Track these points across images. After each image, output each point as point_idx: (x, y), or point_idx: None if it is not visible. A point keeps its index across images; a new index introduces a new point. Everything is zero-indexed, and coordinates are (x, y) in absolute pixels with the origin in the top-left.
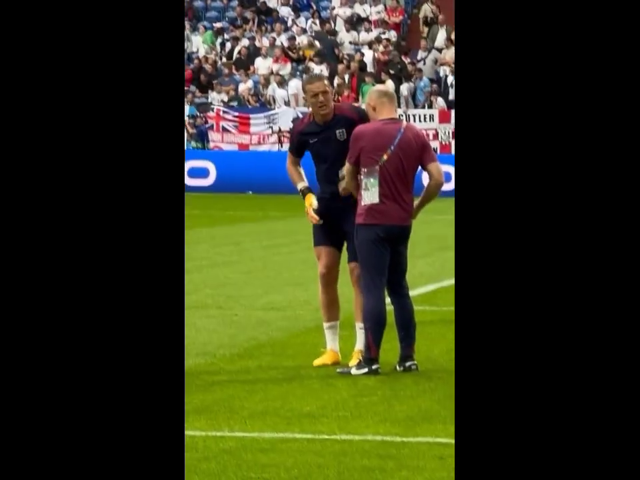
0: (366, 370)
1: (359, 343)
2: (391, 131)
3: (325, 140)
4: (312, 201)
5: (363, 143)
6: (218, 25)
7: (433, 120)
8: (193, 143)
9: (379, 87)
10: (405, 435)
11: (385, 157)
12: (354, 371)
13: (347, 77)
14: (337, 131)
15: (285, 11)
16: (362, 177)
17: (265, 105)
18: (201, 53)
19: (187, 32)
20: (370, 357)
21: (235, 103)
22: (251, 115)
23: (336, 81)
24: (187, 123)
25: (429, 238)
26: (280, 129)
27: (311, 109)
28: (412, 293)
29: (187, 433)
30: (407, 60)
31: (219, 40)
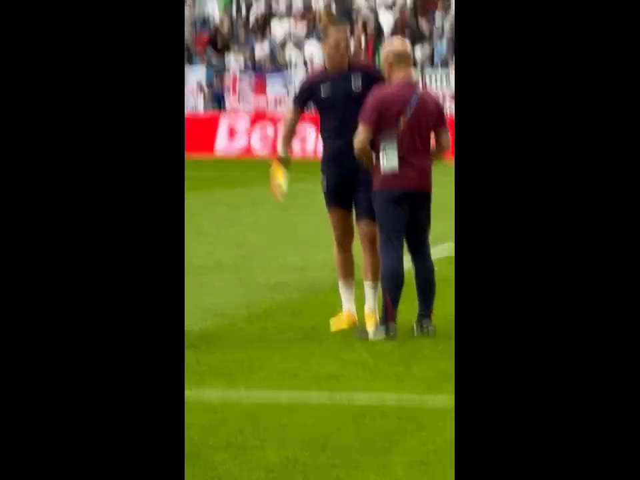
0: (382, 334)
1: (369, 301)
2: (408, 95)
3: (338, 89)
4: (281, 176)
5: (382, 107)
6: None
7: (450, 82)
8: (210, 106)
9: (396, 43)
10: (424, 395)
11: (403, 121)
12: (371, 337)
13: (362, 40)
14: (352, 76)
15: None
16: (380, 141)
17: (281, 68)
18: (217, 17)
19: None
20: (388, 316)
21: (251, 66)
22: (267, 77)
23: (352, 44)
24: (203, 86)
25: (436, 197)
26: (295, 92)
27: (327, 58)
28: (434, 253)
29: (205, 394)
30: (423, 21)
31: (234, 3)
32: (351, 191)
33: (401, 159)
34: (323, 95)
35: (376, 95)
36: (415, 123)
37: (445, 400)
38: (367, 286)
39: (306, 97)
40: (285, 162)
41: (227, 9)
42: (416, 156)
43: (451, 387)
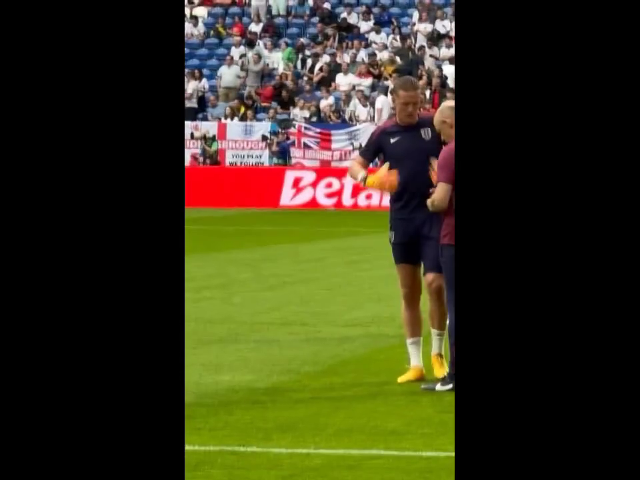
0: (451, 386)
1: (435, 347)
2: None
3: (408, 138)
4: (383, 171)
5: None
6: (299, 41)
7: None
8: (275, 159)
9: (450, 103)
10: None
11: None
12: (438, 387)
13: (428, 93)
14: (422, 130)
15: (366, 27)
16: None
17: (346, 121)
18: (281, 70)
19: (267, 49)
20: (455, 372)
21: (315, 119)
22: (332, 131)
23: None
24: (269, 139)
25: None
26: (361, 145)
27: (397, 113)
28: None
29: (272, 450)
30: None
31: (300, 56)
32: (418, 246)
33: None
34: (392, 140)
35: (448, 151)
36: None
37: None
38: (434, 334)
39: (375, 148)
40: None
41: (291, 61)
42: None
43: None
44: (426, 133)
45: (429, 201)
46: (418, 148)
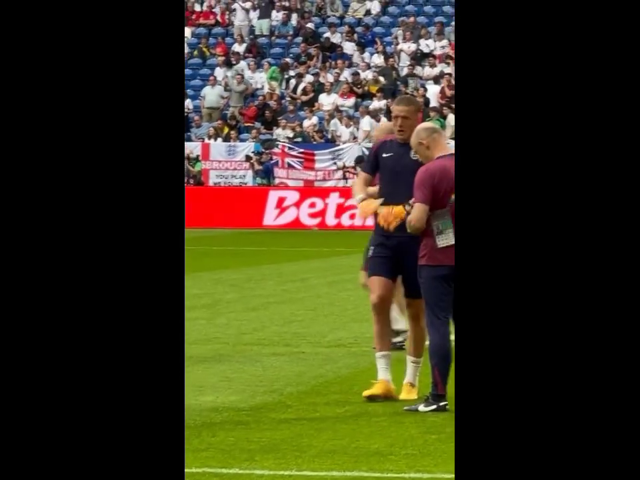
0: (434, 407)
1: (408, 375)
2: (454, 169)
3: (399, 155)
4: (374, 204)
5: (434, 183)
6: (282, 61)
7: None
8: (258, 179)
9: (425, 124)
10: None
11: (453, 196)
12: (422, 408)
13: None
14: (411, 153)
15: (349, 47)
16: (432, 219)
17: (330, 141)
18: (265, 90)
19: (250, 69)
20: (437, 393)
21: (299, 139)
22: (315, 151)
23: None
24: (252, 159)
25: None
26: (345, 165)
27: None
28: None
29: (255, 472)
30: None
31: (284, 76)
32: (398, 265)
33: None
34: (384, 155)
35: (424, 171)
36: None
37: None
38: (408, 360)
39: (373, 161)
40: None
41: (275, 80)
42: None
43: None
44: (415, 154)
45: (407, 222)
46: (404, 166)
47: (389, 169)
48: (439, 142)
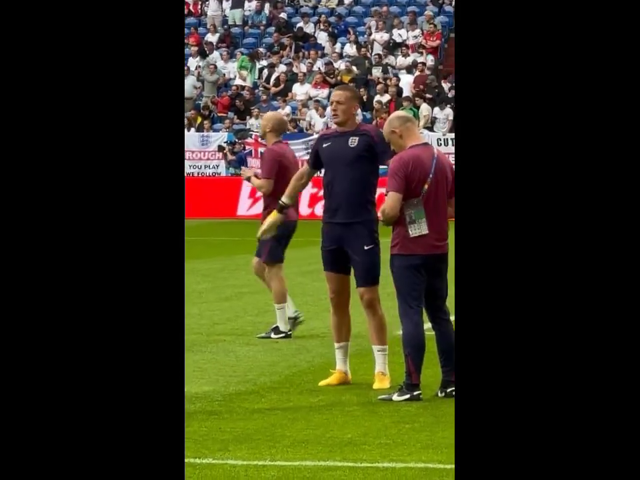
0: (408, 396)
1: (378, 365)
2: (428, 158)
3: (336, 143)
4: (273, 221)
5: (408, 172)
6: (255, 51)
7: None
8: (232, 169)
9: (398, 113)
10: (448, 462)
11: (427, 186)
12: (395, 397)
13: (384, 101)
14: (351, 137)
15: (322, 37)
16: (405, 208)
17: (303, 131)
18: (238, 80)
19: (223, 60)
20: (412, 383)
21: None
22: (288, 141)
23: (375, 105)
24: (225, 149)
25: None
26: None
27: None
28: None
29: (229, 461)
30: (445, 84)
31: (258, 66)
32: (344, 254)
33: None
34: (322, 153)
35: (398, 160)
36: (435, 186)
37: None
38: (375, 350)
39: (314, 154)
40: (281, 209)
41: (245, 69)
42: (437, 219)
43: None
44: (353, 141)
45: (379, 211)
46: (342, 155)
47: (327, 159)
48: (412, 131)
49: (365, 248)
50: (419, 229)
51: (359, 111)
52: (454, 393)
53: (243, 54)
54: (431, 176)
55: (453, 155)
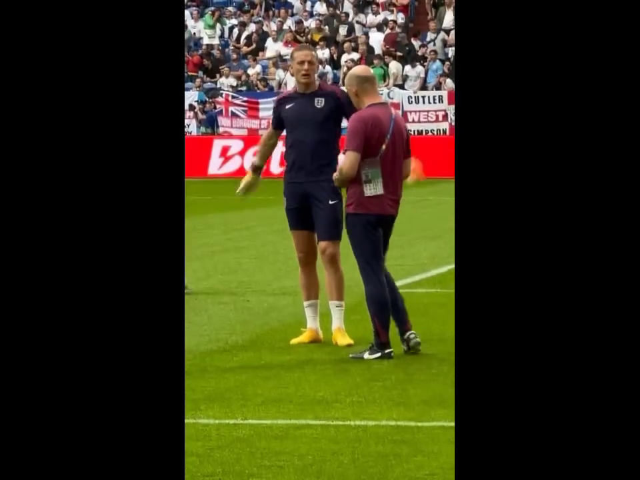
0: (379, 354)
1: (335, 320)
2: (386, 118)
3: (301, 105)
4: (250, 181)
5: (367, 131)
6: (226, 10)
7: (442, 101)
8: (203, 129)
9: (358, 70)
10: (420, 419)
11: (384, 146)
12: (366, 356)
13: (355, 58)
14: (316, 98)
15: None
16: (362, 167)
17: (274, 89)
18: (211, 40)
19: (192, 19)
20: (381, 341)
21: (243, 88)
22: (259, 100)
23: (343, 64)
24: (196, 108)
25: (440, 219)
26: None
27: (295, 78)
28: (425, 275)
29: (200, 421)
30: (416, 42)
31: (228, 25)
32: (309, 211)
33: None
34: (287, 107)
35: (357, 119)
36: (392, 147)
37: (440, 423)
38: (332, 305)
39: (277, 116)
40: (255, 169)
41: (212, 28)
42: (392, 180)
43: (446, 411)
44: (319, 102)
45: (337, 170)
46: (308, 115)
47: (293, 120)
48: (370, 90)
49: (330, 202)
50: (374, 188)
51: (329, 68)
52: (412, 337)
53: (213, 13)
54: (388, 136)
55: (428, 112)
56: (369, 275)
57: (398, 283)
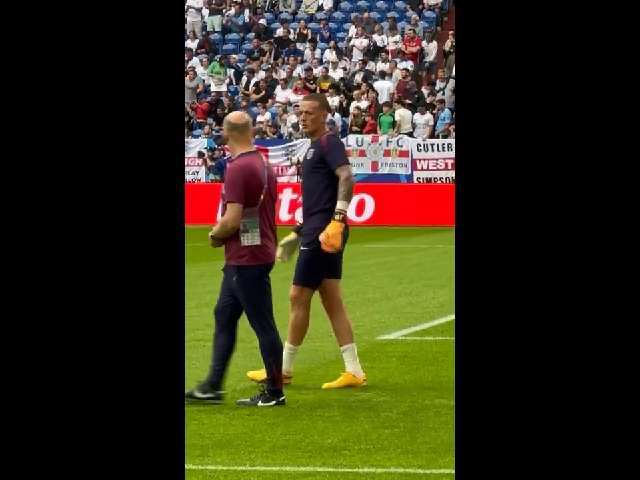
0: (274, 402)
1: (286, 364)
2: (260, 167)
3: (305, 155)
4: (285, 240)
5: (246, 180)
6: (234, 57)
7: (451, 149)
8: (212, 176)
9: (231, 116)
10: (428, 467)
11: (262, 196)
12: (261, 404)
13: (364, 106)
14: (309, 150)
15: (302, 43)
16: (242, 217)
17: (283, 136)
18: (219, 87)
19: (203, 66)
20: (276, 388)
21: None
22: (269, 147)
23: (352, 111)
24: (205, 155)
25: (448, 268)
26: (299, 161)
27: None
28: (433, 323)
29: (209, 467)
30: (425, 90)
31: (231, 71)
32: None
33: (261, 234)
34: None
35: (235, 169)
36: (269, 194)
37: (449, 471)
38: (286, 347)
39: None
40: (297, 230)
41: (218, 75)
42: (271, 229)
43: (454, 459)
44: (310, 153)
45: (219, 225)
46: (304, 166)
47: (302, 171)
48: (238, 138)
49: (301, 248)
50: (251, 239)
51: (338, 116)
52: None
53: (222, 61)
54: (265, 186)
55: (437, 159)
56: (264, 326)
57: (407, 331)
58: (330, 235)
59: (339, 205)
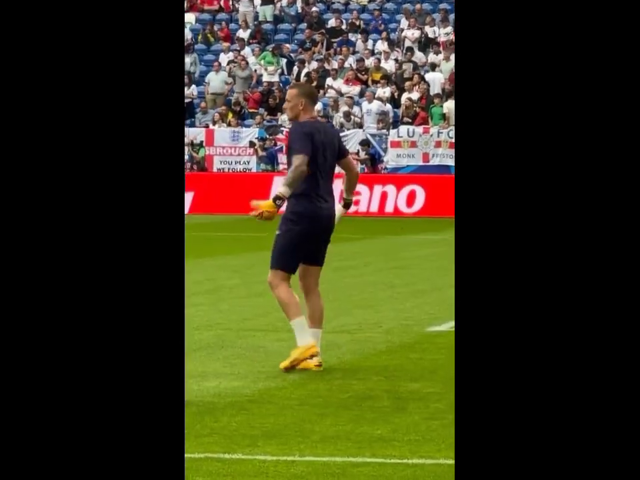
0: None
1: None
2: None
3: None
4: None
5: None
6: (286, 47)
7: None
8: (263, 165)
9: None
10: None
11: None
12: None
13: (415, 98)
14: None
15: (354, 34)
16: None
17: (334, 127)
18: (272, 77)
19: (254, 55)
20: None
21: None
22: None
23: (404, 102)
24: (256, 145)
25: None
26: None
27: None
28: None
29: (258, 457)
30: None
31: (284, 61)
32: None
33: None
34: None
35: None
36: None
37: None
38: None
39: None
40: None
41: (271, 65)
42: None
43: None
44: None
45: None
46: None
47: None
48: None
49: (277, 232)
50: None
51: (390, 107)
52: None
53: (274, 51)
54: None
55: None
56: None
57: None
58: (260, 206)
59: (279, 189)
